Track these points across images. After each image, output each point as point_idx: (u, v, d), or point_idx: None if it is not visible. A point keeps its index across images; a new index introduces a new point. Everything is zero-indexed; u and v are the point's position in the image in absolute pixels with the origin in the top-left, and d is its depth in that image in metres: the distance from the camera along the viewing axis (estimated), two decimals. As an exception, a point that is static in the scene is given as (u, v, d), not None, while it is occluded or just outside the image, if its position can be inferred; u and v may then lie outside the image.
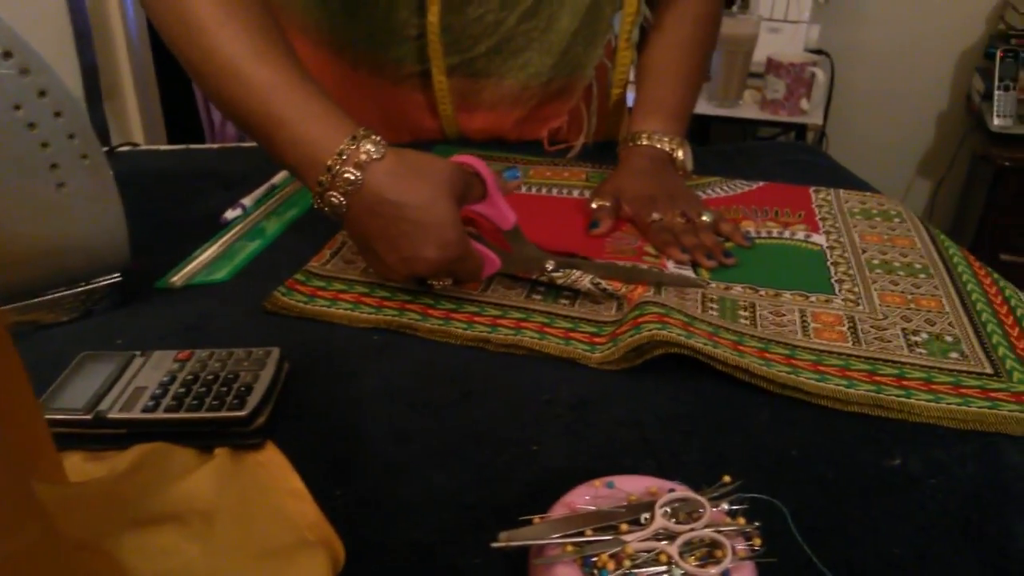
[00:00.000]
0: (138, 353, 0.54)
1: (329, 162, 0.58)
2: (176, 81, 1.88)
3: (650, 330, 0.57)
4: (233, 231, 0.76)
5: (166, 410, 0.48)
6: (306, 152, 0.60)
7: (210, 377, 0.51)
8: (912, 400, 0.54)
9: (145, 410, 0.48)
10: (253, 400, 0.49)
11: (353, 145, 0.59)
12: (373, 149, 0.59)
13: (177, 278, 0.68)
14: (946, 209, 2.57)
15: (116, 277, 0.63)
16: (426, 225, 0.59)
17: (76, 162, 0.58)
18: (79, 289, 0.62)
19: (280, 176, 0.88)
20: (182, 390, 0.50)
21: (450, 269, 0.62)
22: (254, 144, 1.08)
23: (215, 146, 1.04)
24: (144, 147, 1.02)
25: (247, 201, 0.81)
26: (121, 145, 0.99)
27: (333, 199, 0.59)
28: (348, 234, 0.64)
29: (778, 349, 0.59)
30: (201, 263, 0.70)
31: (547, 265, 0.67)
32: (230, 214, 0.79)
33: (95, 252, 0.61)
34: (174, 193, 0.87)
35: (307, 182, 0.61)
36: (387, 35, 0.90)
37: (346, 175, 0.58)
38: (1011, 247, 2.11)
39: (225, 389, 0.50)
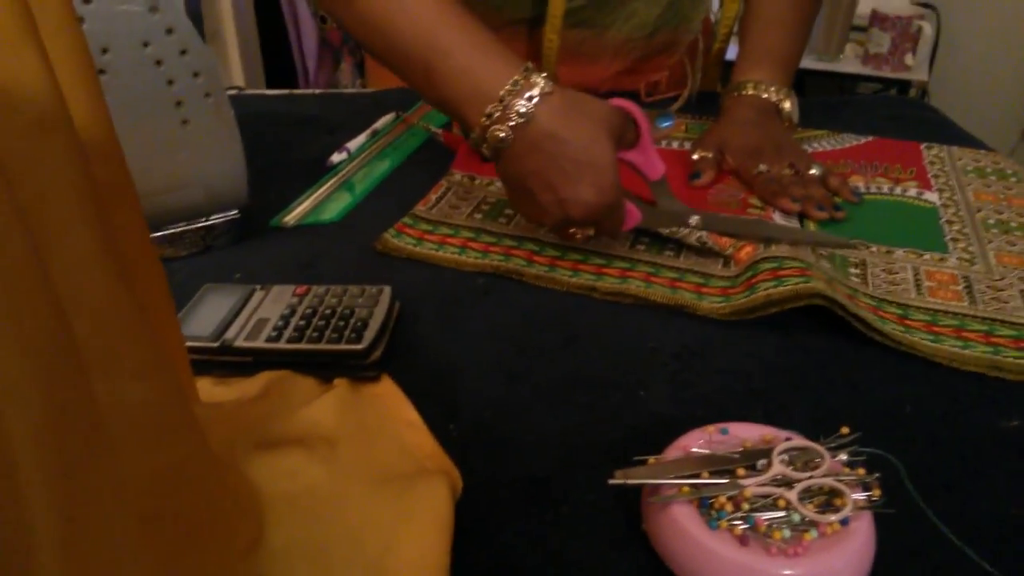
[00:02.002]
0: (258, 287, 0.56)
1: (502, 93, 0.57)
2: (271, 28, 1.92)
3: (766, 289, 0.56)
4: (340, 174, 0.78)
5: (288, 341, 0.50)
6: (475, 82, 0.58)
7: (328, 311, 0.53)
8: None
9: (269, 340, 0.50)
10: (369, 334, 0.50)
11: (525, 78, 0.57)
12: (543, 83, 0.57)
13: (289, 218, 0.70)
14: (1054, 173, 2.44)
15: (234, 214, 0.65)
16: (586, 165, 0.57)
17: (200, 100, 0.60)
18: (199, 224, 0.64)
19: (382, 122, 0.89)
20: (302, 322, 0.52)
21: (599, 217, 0.60)
22: (353, 91, 1.09)
23: (316, 92, 1.06)
24: (249, 91, 1.04)
25: (351, 145, 0.82)
26: (227, 89, 1.02)
27: (499, 132, 0.57)
28: (502, 174, 0.62)
29: (891, 308, 0.58)
30: (311, 204, 0.72)
31: (691, 220, 0.65)
32: (336, 157, 0.80)
33: (215, 188, 0.63)
34: (281, 136, 0.89)
35: (468, 115, 0.59)
36: None
37: (518, 107, 0.57)
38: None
39: (343, 323, 0.51)
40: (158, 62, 0.58)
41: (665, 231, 0.66)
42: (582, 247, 0.65)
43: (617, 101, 0.62)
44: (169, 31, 0.57)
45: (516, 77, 0.57)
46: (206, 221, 0.64)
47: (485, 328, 0.57)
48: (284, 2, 1.84)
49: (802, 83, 2.36)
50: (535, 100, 0.57)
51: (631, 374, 0.52)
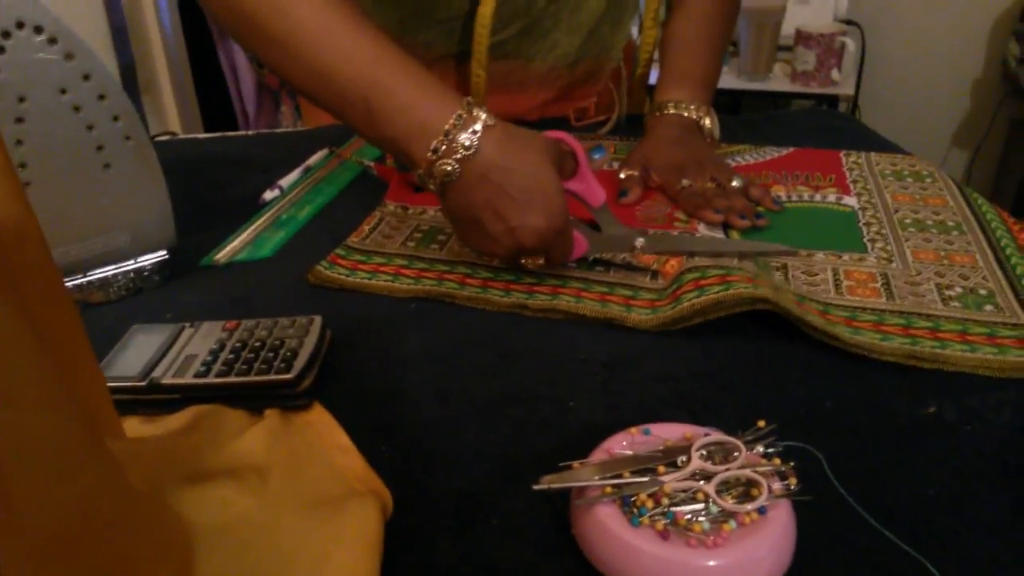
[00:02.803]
0: (188, 324, 0.56)
1: (446, 127, 0.58)
2: (209, 76, 1.92)
3: (690, 300, 0.58)
4: (272, 211, 0.79)
5: (217, 375, 0.50)
6: (419, 119, 0.59)
7: (257, 344, 0.53)
8: (947, 351, 0.55)
9: (197, 375, 0.50)
10: (299, 363, 0.51)
11: (468, 112, 0.59)
12: (485, 116, 0.59)
13: (221, 256, 0.70)
14: (984, 176, 2.52)
15: (163, 255, 0.65)
16: (534, 192, 0.59)
17: (121, 143, 0.60)
18: (127, 267, 0.64)
19: (315, 158, 0.89)
20: (231, 356, 0.52)
21: (548, 244, 0.61)
22: (286, 130, 1.10)
23: (250, 133, 1.07)
24: (182, 136, 1.04)
25: (284, 182, 0.83)
26: (160, 135, 1.02)
27: (446, 167, 0.58)
28: (448, 207, 0.63)
29: (812, 304, 0.60)
30: (243, 241, 0.73)
31: (636, 243, 0.66)
32: (268, 195, 0.81)
33: (141, 230, 0.63)
34: (213, 178, 0.89)
35: (413, 151, 0.60)
36: (417, 19, 0.91)
37: (463, 141, 0.58)
38: (1052, 213, 2.07)
39: (272, 354, 0.52)
40: (76, 108, 0.58)
41: (605, 256, 0.67)
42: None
43: (552, 133, 0.63)
44: (86, 77, 0.57)
45: (459, 111, 0.59)
46: (134, 263, 0.64)
47: (418, 351, 0.58)
48: (220, 50, 1.84)
49: (738, 103, 2.43)
50: (479, 133, 0.58)
51: (561, 386, 0.53)
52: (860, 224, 0.74)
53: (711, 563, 0.36)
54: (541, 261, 0.64)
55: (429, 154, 0.59)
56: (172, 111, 1.85)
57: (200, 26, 1.83)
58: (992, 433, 0.48)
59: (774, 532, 0.37)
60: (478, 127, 0.58)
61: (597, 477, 0.40)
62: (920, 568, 0.39)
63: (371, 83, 0.60)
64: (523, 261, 0.64)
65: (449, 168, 0.59)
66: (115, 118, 0.59)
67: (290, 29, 0.61)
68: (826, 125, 1.04)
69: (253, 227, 0.75)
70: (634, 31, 1.02)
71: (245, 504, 0.42)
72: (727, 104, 2.40)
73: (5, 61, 0.54)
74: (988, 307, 0.60)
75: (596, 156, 0.89)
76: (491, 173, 0.59)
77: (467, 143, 0.58)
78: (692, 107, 0.87)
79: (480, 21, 0.86)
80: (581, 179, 0.65)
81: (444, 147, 0.58)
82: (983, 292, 0.62)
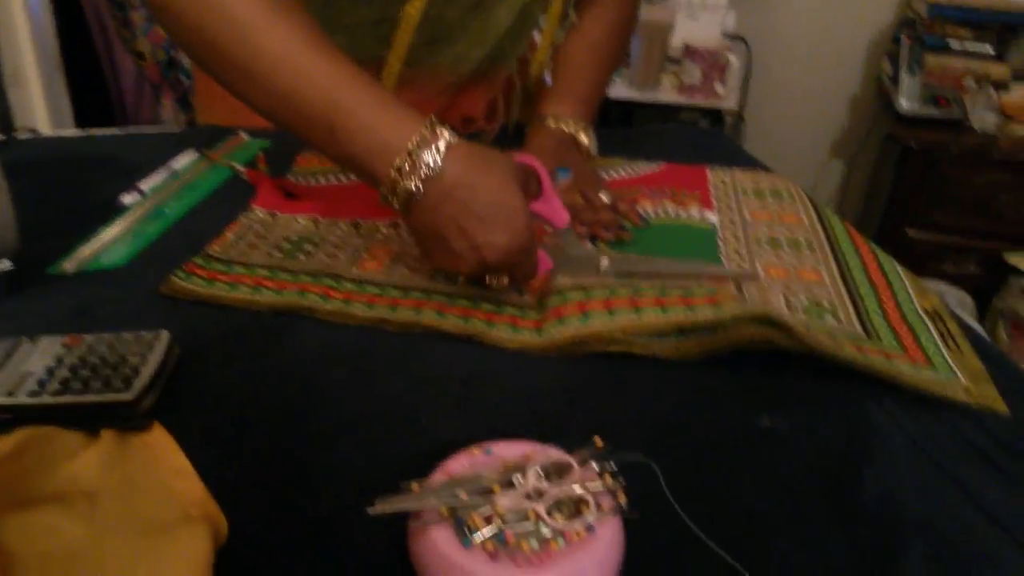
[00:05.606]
0: (26, 339, 0.54)
1: (410, 146, 0.58)
2: (86, 69, 1.83)
3: (549, 331, 0.60)
4: (130, 216, 0.76)
5: (52, 394, 0.48)
6: (382, 138, 0.59)
7: (96, 361, 0.51)
8: (796, 329, 0.56)
9: (30, 394, 0.48)
10: (139, 383, 0.49)
11: (430, 130, 0.59)
12: (448, 135, 0.59)
13: (69, 263, 0.67)
14: (858, 188, 2.66)
15: (7, 265, 0.62)
16: (498, 209, 0.59)
17: (-44, 146, 0.57)
18: (-34, 277, 0.61)
19: (183, 160, 0.87)
20: (68, 374, 0.50)
21: (512, 262, 0.61)
22: (154, 130, 1.06)
23: (118, 132, 1.03)
24: (45, 134, 0.99)
25: (145, 185, 0.80)
26: (18, 131, 0.97)
27: (410, 186, 0.58)
28: (411, 225, 0.63)
29: (674, 292, 0.61)
30: (95, 248, 0.70)
31: (601, 263, 0.67)
32: (127, 198, 0.78)
33: (-20, 238, 0.60)
34: (71, 179, 0.85)
35: (376, 169, 0.60)
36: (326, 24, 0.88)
37: (426, 159, 0.58)
38: (917, 223, 2.20)
39: (111, 372, 0.50)
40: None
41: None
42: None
43: (518, 156, 0.64)
44: (-84, 75, 0.54)
45: (422, 130, 0.58)
46: (-27, 273, 0.61)
47: (274, 369, 0.57)
48: (98, 41, 1.76)
49: (631, 114, 2.49)
50: (442, 152, 0.58)
51: (416, 404, 0.53)
52: (719, 241, 0.77)
53: (538, 582, 0.36)
54: (506, 280, 0.64)
55: (392, 172, 0.59)
56: (40, 106, 1.75)
57: (75, 14, 1.74)
58: (820, 445, 0.51)
59: (599, 549, 0.38)
60: (441, 145, 0.58)
61: (432, 499, 0.40)
62: (742, 580, 0.41)
63: (332, 104, 0.59)
64: (487, 281, 0.64)
65: (413, 187, 0.59)
66: (-51, 120, 0.56)
67: (252, 54, 0.60)
68: (699, 142, 1.08)
69: (107, 233, 0.72)
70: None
71: (72, 531, 0.40)
72: (620, 114, 2.45)
73: None
74: (829, 319, 0.63)
75: (561, 177, 0.89)
76: (455, 191, 0.59)
77: (430, 162, 0.58)
78: (571, 121, 0.89)
79: (407, 21, 0.85)
80: (545, 200, 0.65)
81: (408, 165, 0.58)
82: (826, 304, 0.66)
